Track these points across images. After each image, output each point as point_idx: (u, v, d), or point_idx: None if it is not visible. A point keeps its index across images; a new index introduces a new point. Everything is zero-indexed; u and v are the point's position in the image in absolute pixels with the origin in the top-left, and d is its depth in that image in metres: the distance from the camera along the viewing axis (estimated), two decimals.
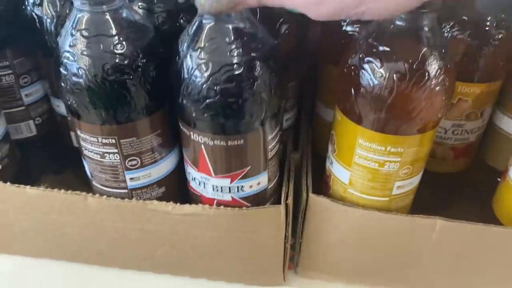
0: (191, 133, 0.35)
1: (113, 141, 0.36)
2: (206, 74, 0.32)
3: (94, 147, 0.37)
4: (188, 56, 0.32)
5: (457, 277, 0.41)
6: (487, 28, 0.39)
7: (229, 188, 0.38)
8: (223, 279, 0.43)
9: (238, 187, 0.38)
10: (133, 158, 0.38)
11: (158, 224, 0.38)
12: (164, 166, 0.40)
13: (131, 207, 0.38)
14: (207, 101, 0.32)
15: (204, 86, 0.32)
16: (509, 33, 0.39)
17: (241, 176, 0.37)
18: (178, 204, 0.37)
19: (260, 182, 0.39)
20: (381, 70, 0.33)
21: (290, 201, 0.38)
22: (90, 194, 0.38)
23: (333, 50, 0.44)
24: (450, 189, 0.49)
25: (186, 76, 0.32)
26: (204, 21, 0.32)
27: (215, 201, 0.39)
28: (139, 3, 0.39)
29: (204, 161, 0.36)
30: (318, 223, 0.40)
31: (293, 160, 0.43)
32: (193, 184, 0.39)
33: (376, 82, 0.33)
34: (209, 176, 0.37)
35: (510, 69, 0.43)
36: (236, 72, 0.32)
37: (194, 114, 0.34)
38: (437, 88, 0.33)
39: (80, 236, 0.41)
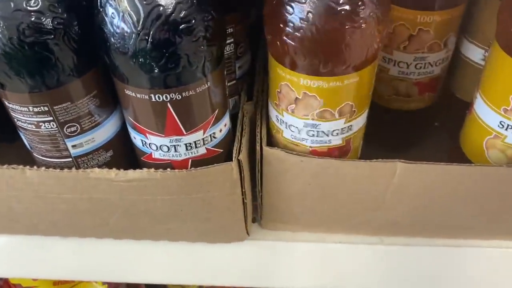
0: (152, 95, 0.31)
1: (46, 108, 0.33)
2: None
3: (27, 117, 0.34)
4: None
5: (421, 217, 0.40)
6: None
7: (203, 140, 0.35)
8: (184, 239, 0.42)
9: (210, 135, 0.36)
10: (71, 124, 0.35)
11: (104, 192, 0.36)
12: (108, 129, 0.37)
13: (73, 177, 0.35)
14: (171, 49, 0.29)
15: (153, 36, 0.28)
16: None
17: (212, 122, 0.35)
18: (122, 170, 0.35)
19: (226, 123, 0.37)
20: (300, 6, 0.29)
21: (242, 156, 0.36)
22: (28, 166, 0.35)
23: None
24: (418, 125, 0.47)
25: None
26: None
27: (190, 161, 0.36)
28: None
29: (172, 122, 0.33)
30: (276, 175, 0.38)
31: (246, 111, 0.40)
32: (158, 154, 0.36)
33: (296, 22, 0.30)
34: (181, 136, 0.34)
35: None
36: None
37: (157, 71, 0.30)
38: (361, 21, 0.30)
39: (30, 210, 0.39)
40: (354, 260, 0.43)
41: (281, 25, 0.31)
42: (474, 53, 0.42)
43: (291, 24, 0.30)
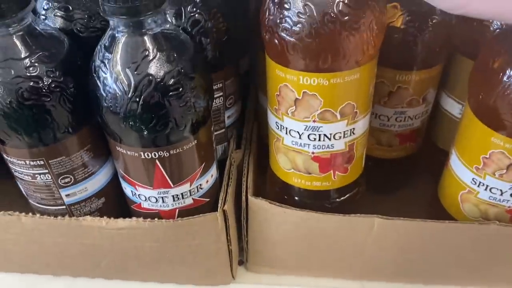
0: (141, 153, 0.33)
1: (42, 162, 0.35)
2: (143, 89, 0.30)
3: (23, 169, 0.36)
4: (109, 73, 0.31)
5: (401, 265, 0.42)
6: (420, 15, 0.38)
7: (190, 191, 0.37)
8: (173, 281, 0.44)
9: (197, 187, 0.38)
10: (65, 176, 0.37)
11: (96, 239, 0.38)
12: (100, 178, 0.39)
13: (66, 225, 0.37)
14: (160, 113, 0.31)
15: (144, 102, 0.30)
16: (442, 18, 0.38)
17: (198, 175, 0.37)
18: (112, 218, 0.37)
19: (212, 174, 0.39)
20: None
21: (227, 206, 0.38)
22: (23, 213, 0.37)
23: None
24: (400, 173, 0.49)
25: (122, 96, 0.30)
26: (117, 34, 0.31)
27: (177, 211, 0.38)
28: (56, 10, 0.37)
29: (160, 176, 0.35)
30: (261, 223, 0.40)
31: (234, 160, 0.42)
32: (147, 204, 0.38)
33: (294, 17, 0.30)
34: (168, 189, 0.36)
35: (449, 52, 0.41)
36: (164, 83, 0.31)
37: (146, 133, 0.32)
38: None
39: (25, 252, 0.41)
40: None
41: (278, 21, 0.30)
42: (452, 107, 0.44)
43: (288, 19, 0.30)
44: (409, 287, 0.43)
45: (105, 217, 0.37)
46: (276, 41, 0.31)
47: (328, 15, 0.29)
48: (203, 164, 0.37)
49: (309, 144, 0.35)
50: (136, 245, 0.39)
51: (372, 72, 0.34)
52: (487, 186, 0.36)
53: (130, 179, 0.36)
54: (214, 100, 0.41)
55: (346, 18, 0.29)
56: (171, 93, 0.31)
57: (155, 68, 0.30)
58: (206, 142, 0.36)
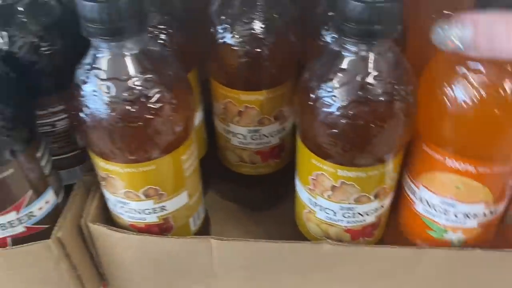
0: None
1: None
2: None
3: None
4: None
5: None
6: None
7: (19, 220, 0.36)
8: None
9: (27, 215, 0.36)
10: None
11: None
12: None
13: None
14: None
15: None
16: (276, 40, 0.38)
17: (25, 203, 0.35)
18: None
19: (48, 200, 0.38)
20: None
21: (64, 233, 0.37)
22: None
23: None
24: (270, 189, 0.49)
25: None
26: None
27: (9, 239, 0.37)
28: None
29: None
30: (108, 248, 0.39)
31: (80, 184, 0.41)
32: None
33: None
34: None
35: (291, 72, 0.41)
36: None
37: None
38: None
39: None
40: None
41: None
42: None
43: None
44: None
45: None
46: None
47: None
48: (30, 192, 0.35)
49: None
50: None
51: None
52: (320, 206, 0.37)
53: None
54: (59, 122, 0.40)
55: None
56: None
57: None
58: (28, 167, 0.35)
